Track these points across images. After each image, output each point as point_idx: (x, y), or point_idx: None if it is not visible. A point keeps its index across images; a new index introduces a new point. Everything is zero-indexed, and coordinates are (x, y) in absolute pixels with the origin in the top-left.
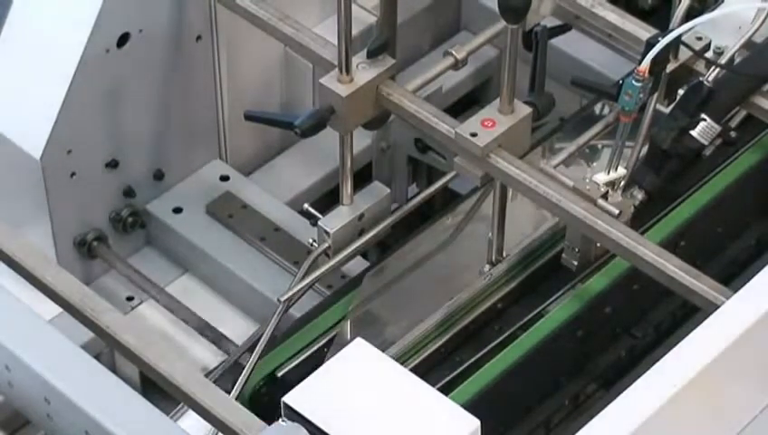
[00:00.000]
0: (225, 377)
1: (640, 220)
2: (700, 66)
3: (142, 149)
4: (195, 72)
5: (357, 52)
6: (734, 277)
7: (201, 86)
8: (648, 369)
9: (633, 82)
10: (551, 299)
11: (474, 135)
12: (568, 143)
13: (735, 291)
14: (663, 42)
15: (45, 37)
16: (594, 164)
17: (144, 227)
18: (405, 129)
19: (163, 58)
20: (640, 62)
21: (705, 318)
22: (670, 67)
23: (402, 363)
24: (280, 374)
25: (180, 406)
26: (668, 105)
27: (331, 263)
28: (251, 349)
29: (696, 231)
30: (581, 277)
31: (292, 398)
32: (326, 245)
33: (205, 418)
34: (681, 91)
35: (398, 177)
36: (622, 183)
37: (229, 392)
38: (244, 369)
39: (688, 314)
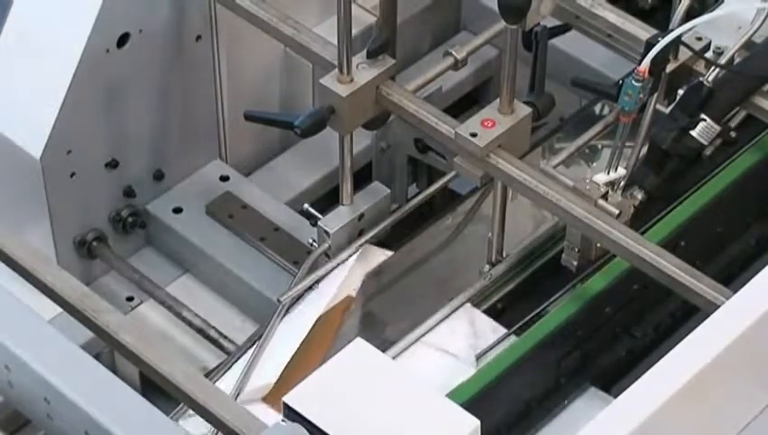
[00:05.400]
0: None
1: (640, 220)
2: (700, 66)
3: (142, 149)
4: (195, 72)
5: (357, 52)
6: (734, 277)
7: (201, 86)
8: (647, 369)
9: (633, 82)
10: (551, 299)
11: (474, 135)
12: (568, 143)
13: (735, 291)
14: (663, 42)
15: (45, 37)
16: (594, 164)
17: (144, 227)
18: (405, 129)
19: (163, 58)
20: (640, 63)
21: (705, 318)
22: (670, 67)
23: None
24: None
25: (180, 406)
26: (668, 105)
27: (331, 263)
28: (251, 349)
29: (696, 231)
30: (581, 277)
31: (292, 398)
32: (326, 245)
33: (205, 418)
34: (681, 91)
35: (398, 177)
36: (622, 183)
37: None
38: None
39: (688, 314)
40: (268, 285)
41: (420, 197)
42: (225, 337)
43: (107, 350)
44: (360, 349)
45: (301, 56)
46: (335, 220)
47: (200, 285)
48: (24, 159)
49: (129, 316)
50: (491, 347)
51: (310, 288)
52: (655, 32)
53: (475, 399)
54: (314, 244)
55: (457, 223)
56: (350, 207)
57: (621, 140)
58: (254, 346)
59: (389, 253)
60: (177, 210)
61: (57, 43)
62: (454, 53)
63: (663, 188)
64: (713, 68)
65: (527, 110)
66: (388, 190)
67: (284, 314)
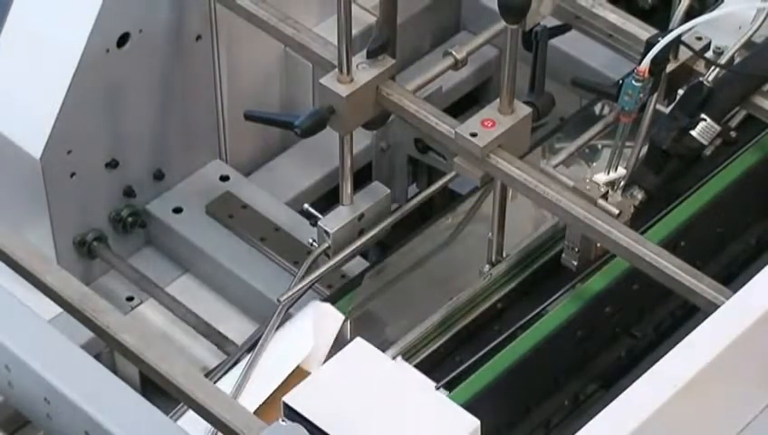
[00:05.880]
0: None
1: (640, 220)
2: (700, 66)
3: (142, 149)
4: (195, 72)
5: (357, 52)
6: (734, 277)
7: (201, 86)
8: (648, 369)
9: (633, 82)
10: (551, 299)
11: (474, 135)
12: (568, 143)
13: (735, 291)
14: (663, 42)
15: (45, 37)
16: (594, 164)
17: (144, 227)
18: (405, 129)
19: (163, 58)
20: (640, 62)
21: (705, 318)
22: (670, 67)
23: None
24: None
25: (180, 406)
26: (668, 105)
27: (331, 263)
28: (251, 349)
29: (696, 231)
30: (581, 277)
31: (292, 398)
32: (326, 245)
33: (205, 418)
34: (681, 91)
35: (398, 177)
36: (622, 183)
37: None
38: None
39: (688, 313)
40: (268, 285)
41: (420, 197)
42: (225, 337)
43: (107, 350)
44: (360, 349)
45: (301, 56)
46: (335, 220)
47: (200, 285)
48: (24, 159)
49: (129, 316)
50: None
51: (309, 288)
52: (655, 32)
53: (475, 399)
54: (314, 244)
55: (457, 223)
56: (350, 207)
57: (621, 140)
58: (254, 346)
59: (341, 317)
60: (177, 210)
61: (57, 43)
62: (454, 53)
63: (663, 188)
64: (713, 68)
65: (527, 110)
66: (388, 190)
67: (284, 314)
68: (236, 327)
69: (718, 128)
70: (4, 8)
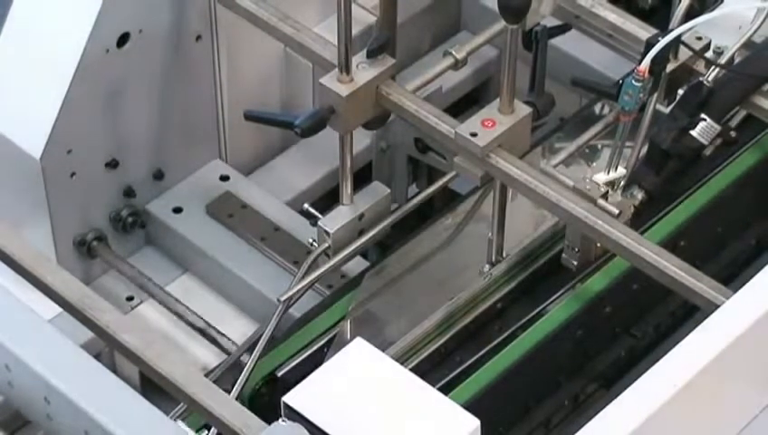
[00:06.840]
0: (225, 377)
1: (640, 220)
2: (700, 66)
3: (142, 149)
4: (195, 72)
5: (357, 52)
6: (734, 277)
7: (201, 86)
8: (647, 369)
9: (633, 81)
10: (551, 299)
11: (474, 135)
12: (568, 143)
13: (735, 291)
14: (663, 42)
15: (45, 37)
16: (594, 164)
17: (144, 227)
18: (405, 129)
19: (163, 58)
20: (640, 62)
21: (705, 318)
22: (670, 67)
23: (402, 363)
24: (280, 374)
25: (180, 406)
26: (668, 105)
27: (331, 263)
28: (251, 349)
29: (696, 231)
30: (581, 277)
31: (292, 398)
32: (326, 245)
33: (205, 417)
34: (681, 91)
35: (398, 177)
36: (622, 183)
37: (229, 392)
38: (244, 369)
39: (688, 313)
40: (268, 285)
41: (420, 197)
42: (225, 337)
43: (107, 350)
44: (360, 349)
45: (301, 56)
46: (335, 220)
47: (200, 285)
48: (24, 159)
49: (129, 316)
50: None
51: (309, 288)
52: (655, 32)
53: (475, 399)
54: (314, 244)
55: (457, 223)
56: (350, 207)
57: (621, 139)
58: (254, 346)
59: None
60: (177, 210)
61: (57, 42)
62: (454, 52)
63: (663, 188)
64: (713, 68)
65: (527, 109)
66: (389, 190)
67: (284, 314)
68: (236, 327)
69: (718, 128)
70: (4, 8)
